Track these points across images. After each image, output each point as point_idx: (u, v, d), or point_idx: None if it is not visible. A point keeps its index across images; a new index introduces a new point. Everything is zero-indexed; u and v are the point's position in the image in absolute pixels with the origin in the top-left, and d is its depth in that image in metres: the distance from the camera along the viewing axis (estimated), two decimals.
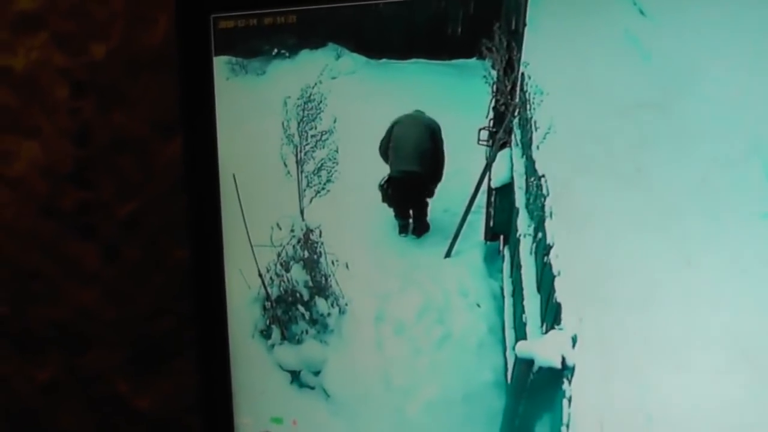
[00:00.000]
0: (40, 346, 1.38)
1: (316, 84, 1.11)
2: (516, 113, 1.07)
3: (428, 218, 1.17)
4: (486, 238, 1.16)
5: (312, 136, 1.13)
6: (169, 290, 1.35)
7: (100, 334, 1.37)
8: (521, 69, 1.04)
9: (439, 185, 1.15)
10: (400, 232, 1.19)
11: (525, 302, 1.08)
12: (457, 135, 1.10)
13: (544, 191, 1.06)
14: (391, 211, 1.19)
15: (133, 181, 1.32)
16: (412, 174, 1.17)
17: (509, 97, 1.06)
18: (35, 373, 1.40)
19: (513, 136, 1.10)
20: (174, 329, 1.35)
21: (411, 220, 1.19)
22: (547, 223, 1.05)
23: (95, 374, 1.39)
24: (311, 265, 1.18)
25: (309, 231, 1.16)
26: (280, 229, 1.16)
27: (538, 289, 1.08)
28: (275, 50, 1.15)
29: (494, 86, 1.06)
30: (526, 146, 1.11)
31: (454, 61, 1.09)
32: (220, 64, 1.15)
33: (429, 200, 1.17)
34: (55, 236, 1.34)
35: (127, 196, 1.33)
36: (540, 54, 1.04)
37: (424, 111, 1.12)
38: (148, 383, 1.38)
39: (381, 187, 1.18)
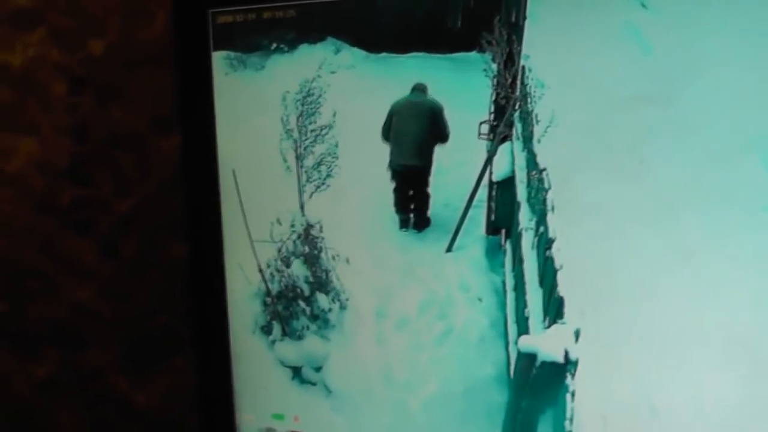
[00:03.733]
0: (37, 343, 1.36)
1: (315, 78, 1.10)
2: (517, 107, 1.06)
3: (429, 213, 1.16)
4: (487, 233, 1.14)
5: (311, 130, 1.11)
6: (167, 287, 1.33)
7: (98, 331, 1.35)
8: (522, 62, 1.03)
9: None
10: (401, 227, 1.17)
11: (527, 296, 1.07)
12: (457, 129, 1.09)
13: (546, 185, 1.05)
14: (392, 206, 1.17)
15: (132, 177, 1.30)
16: (412, 168, 1.15)
17: (510, 90, 1.04)
18: (32, 371, 1.38)
19: (514, 130, 1.08)
20: (172, 326, 1.33)
21: (412, 215, 1.17)
22: (549, 217, 1.03)
23: (93, 371, 1.37)
24: (312, 260, 1.17)
25: (309, 226, 1.15)
26: (280, 224, 1.15)
27: (540, 284, 1.07)
28: (274, 45, 1.14)
29: (495, 80, 1.04)
30: (527, 140, 1.09)
31: (454, 55, 1.07)
32: (219, 59, 1.14)
33: (430, 193, 1.15)
34: (53, 233, 1.32)
35: (125, 192, 1.31)
36: (541, 47, 1.03)
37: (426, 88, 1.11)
38: (146, 381, 1.36)
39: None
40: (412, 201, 1.17)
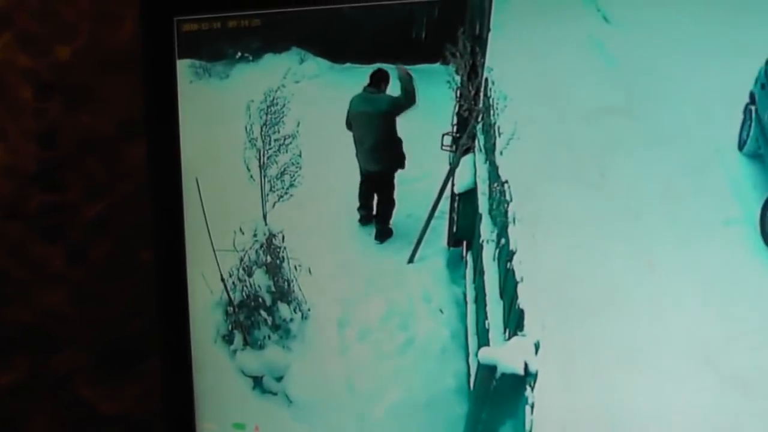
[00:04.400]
0: (6, 348, 1.35)
1: (279, 88, 1.09)
2: (480, 119, 1.05)
3: (392, 223, 1.15)
4: (449, 244, 1.14)
5: (275, 140, 1.10)
6: (137, 293, 1.32)
7: (67, 336, 1.34)
8: (485, 74, 1.03)
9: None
10: (361, 221, 1.17)
11: (488, 308, 1.07)
12: (420, 140, 1.08)
13: (508, 197, 1.04)
14: (355, 218, 1.16)
15: (100, 183, 1.30)
16: (375, 173, 1.14)
17: (473, 102, 1.04)
18: (2, 376, 1.37)
19: (476, 142, 1.08)
20: (141, 332, 1.33)
21: (374, 221, 1.16)
22: (510, 229, 1.03)
23: (62, 377, 1.36)
24: (274, 270, 1.16)
25: (272, 236, 1.14)
26: (243, 233, 1.14)
27: (501, 296, 1.06)
28: (239, 54, 1.13)
29: (458, 91, 1.04)
30: (490, 152, 1.09)
31: (418, 66, 1.07)
32: (184, 67, 1.13)
33: (396, 201, 1.15)
34: (22, 238, 1.31)
35: (94, 198, 1.30)
36: (504, 59, 1.03)
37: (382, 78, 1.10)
38: (115, 386, 1.36)
39: None
40: (377, 206, 1.16)
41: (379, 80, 1.09)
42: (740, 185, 0.94)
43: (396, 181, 1.12)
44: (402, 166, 1.11)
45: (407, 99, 1.09)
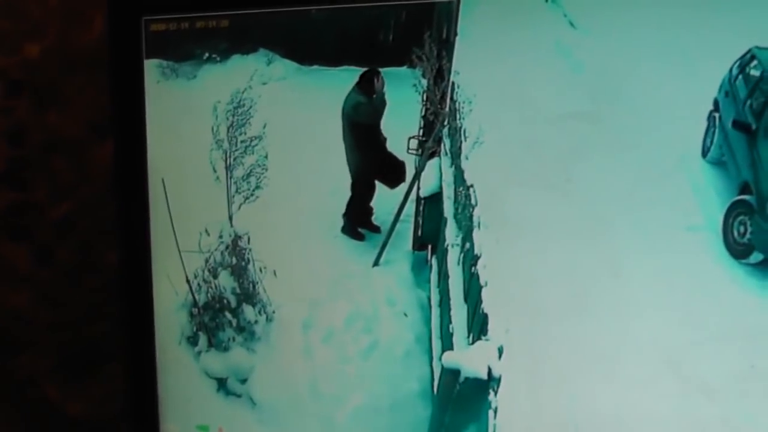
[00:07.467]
0: None
1: (246, 89, 1.08)
2: (445, 122, 1.05)
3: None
4: (414, 248, 1.13)
5: (241, 141, 1.09)
6: (102, 294, 1.31)
7: (32, 337, 1.33)
8: (451, 78, 1.02)
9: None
10: (342, 230, 1.16)
11: (452, 312, 1.06)
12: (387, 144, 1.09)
13: (473, 201, 1.04)
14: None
15: (67, 183, 1.28)
16: (351, 174, 1.14)
17: (439, 106, 1.04)
18: None
19: (442, 146, 1.08)
20: (107, 333, 1.31)
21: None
22: (475, 234, 1.03)
23: (26, 379, 1.35)
24: (239, 271, 1.15)
25: (237, 237, 1.13)
26: (209, 234, 1.13)
27: (465, 300, 1.06)
28: (207, 54, 1.12)
29: (424, 95, 1.04)
30: (455, 156, 1.09)
31: (384, 69, 1.07)
32: (151, 67, 1.12)
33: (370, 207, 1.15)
34: None
35: (60, 198, 1.29)
36: (470, 63, 1.02)
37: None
38: (80, 388, 1.35)
39: None
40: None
41: (362, 81, 1.08)
42: (704, 192, 0.95)
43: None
44: (390, 185, 1.11)
45: (366, 112, 1.09)
